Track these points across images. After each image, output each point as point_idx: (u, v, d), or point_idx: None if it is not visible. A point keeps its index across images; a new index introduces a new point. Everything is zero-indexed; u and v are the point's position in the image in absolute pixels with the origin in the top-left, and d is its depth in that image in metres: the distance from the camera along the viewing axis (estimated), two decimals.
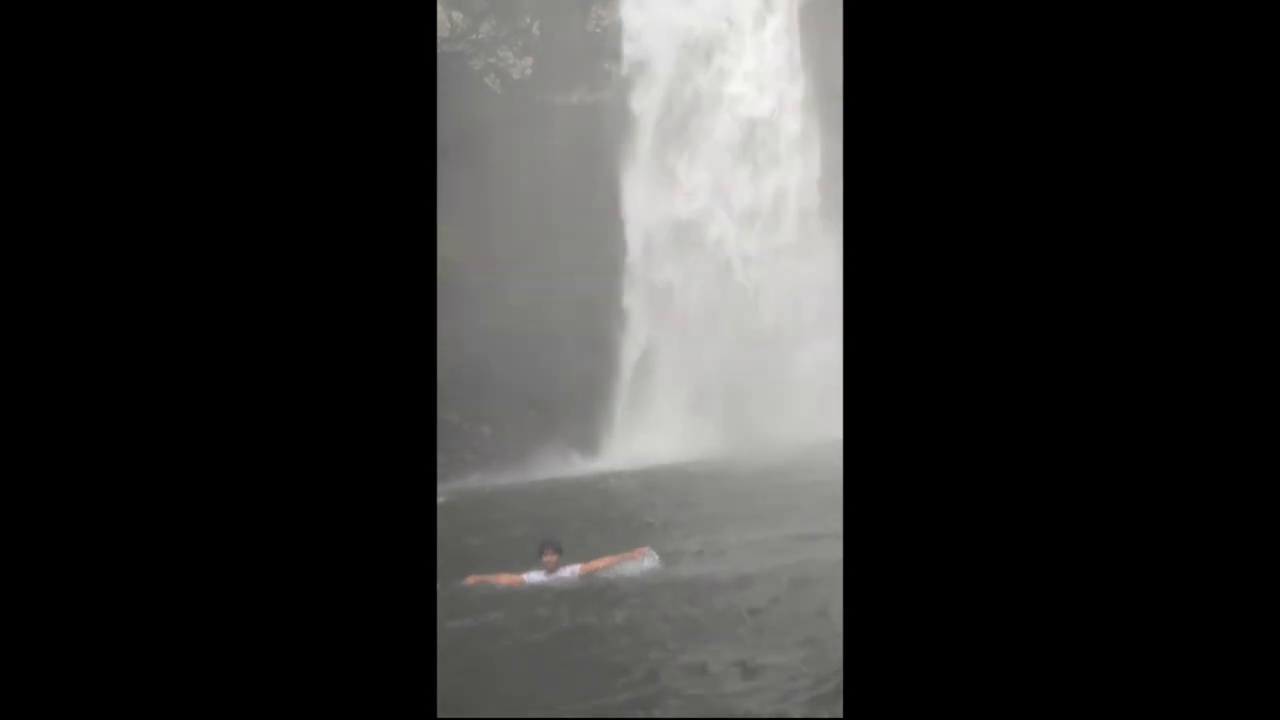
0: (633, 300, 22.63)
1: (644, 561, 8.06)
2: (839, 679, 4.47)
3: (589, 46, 22.74)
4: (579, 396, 22.00)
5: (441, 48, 21.92)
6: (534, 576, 7.94)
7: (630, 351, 22.54)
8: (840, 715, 4.05)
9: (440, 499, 16.42)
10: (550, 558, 7.96)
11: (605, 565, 8.03)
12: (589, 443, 21.53)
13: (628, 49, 22.55)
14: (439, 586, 6.42)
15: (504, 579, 8.07)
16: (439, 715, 3.54)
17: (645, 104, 22.60)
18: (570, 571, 7.96)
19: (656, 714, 4.76)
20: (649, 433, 21.60)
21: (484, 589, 8.02)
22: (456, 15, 22.06)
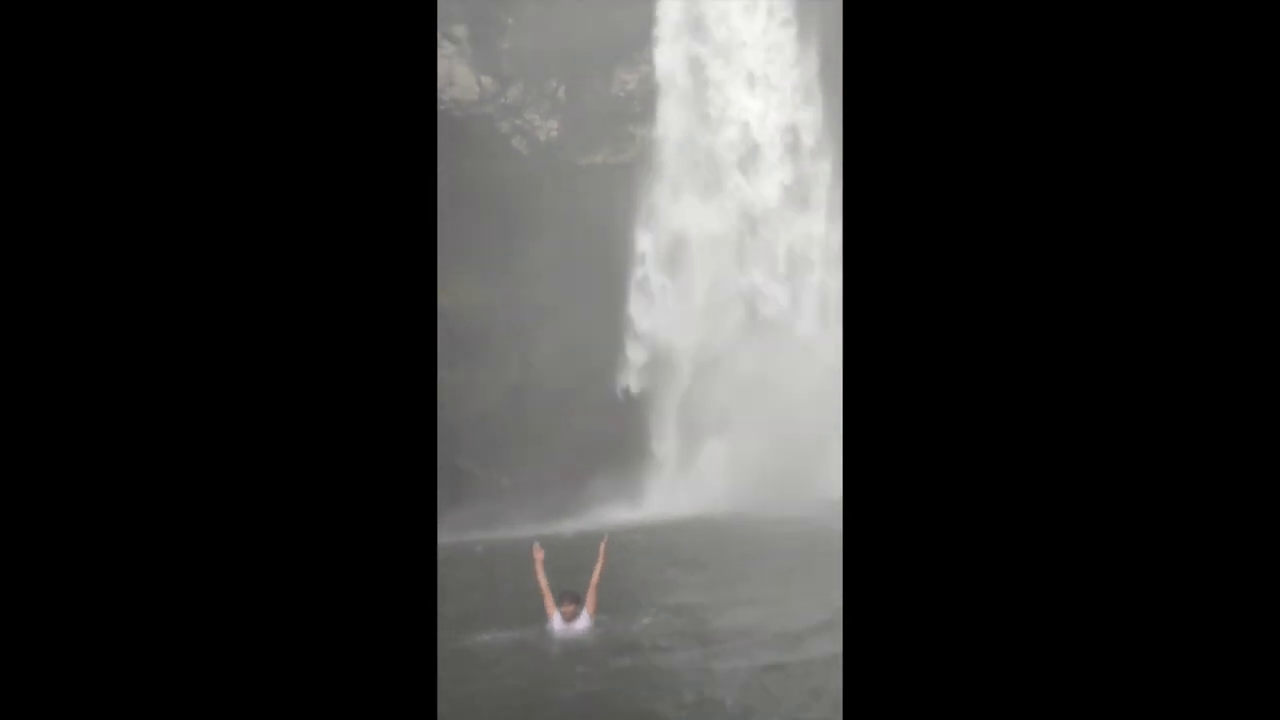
0: (653, 350, 22.97)
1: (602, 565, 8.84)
2: None
3: (613, 110, 23.40)
4: (601, 450, 22.27)
5: (469, 110, 22.66)
6: (555, 623, 8.57)
7: (654, 405, 22.84)
8: None
9: (454, 549, 16.70)
10: (568, 608, 8.60)
11: (595, 582, 8.76)
12: (611, 496, 21.73)
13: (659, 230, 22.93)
14: (446, 641, 6.74)
15: (542, 578, 8.75)
16: None
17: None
18: (584, 620, 8.54)
19: None
20: (672, 487, 21.81)
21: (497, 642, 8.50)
22: (485, 79, 22.79)
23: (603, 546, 8.89)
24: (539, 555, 8.83)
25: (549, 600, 8.65)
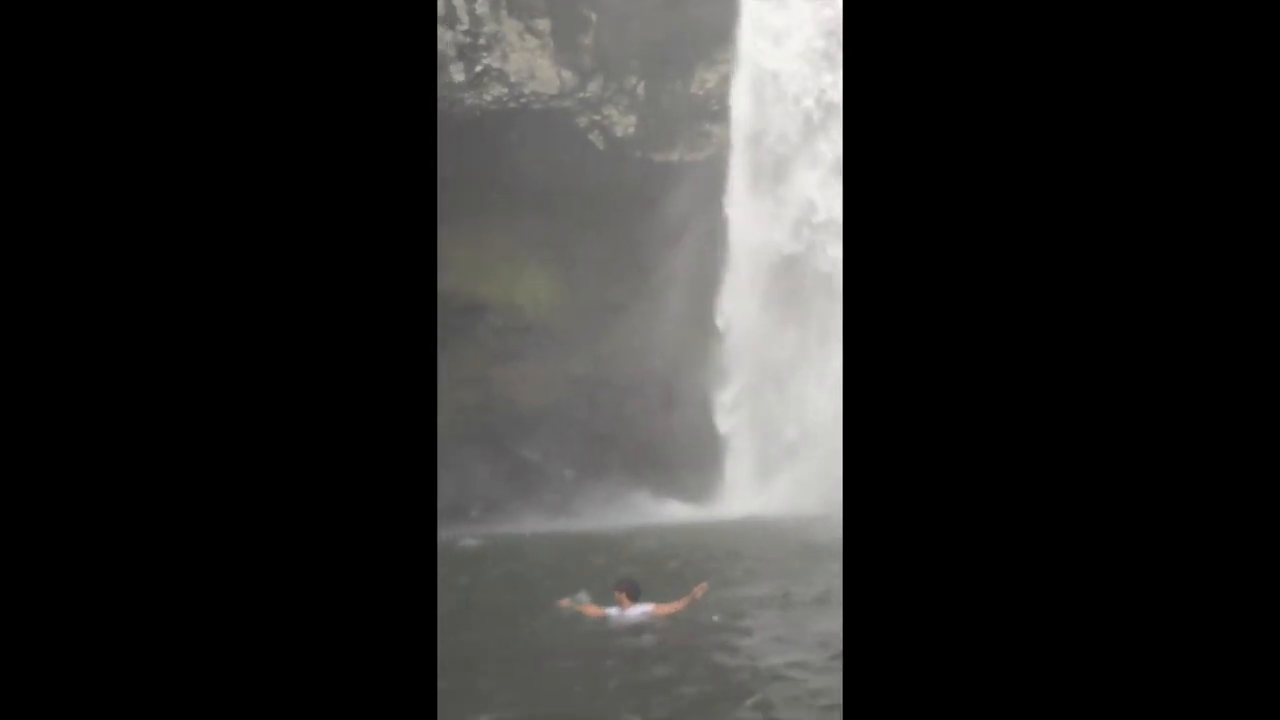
0: (727, 349, 22.93)
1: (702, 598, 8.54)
2: None
3: (691, 108, 23.44)
4: (666, 445, 22.34)
5: (549, 104, 22.87)
6: (612, 611, 8.52)
7: (722, 400, 22.82)
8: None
9: (521, 536, 16.86)
10: (621, 595, 8.51)
11: (678, 608, 8.46)
12: (675, 491, 21.79)
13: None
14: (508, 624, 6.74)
15: (591, 610, 8.67)
16: None
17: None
18: (640, 611, 8.44)
19: None
20: (737, 484, 21.79)
21: (571, 615, 8.58)
22: (566, 73, 22.98)
23: (698, 591, 8.48)
24: (564, 604, 8.78)
25: (599, 609, 8.58)
